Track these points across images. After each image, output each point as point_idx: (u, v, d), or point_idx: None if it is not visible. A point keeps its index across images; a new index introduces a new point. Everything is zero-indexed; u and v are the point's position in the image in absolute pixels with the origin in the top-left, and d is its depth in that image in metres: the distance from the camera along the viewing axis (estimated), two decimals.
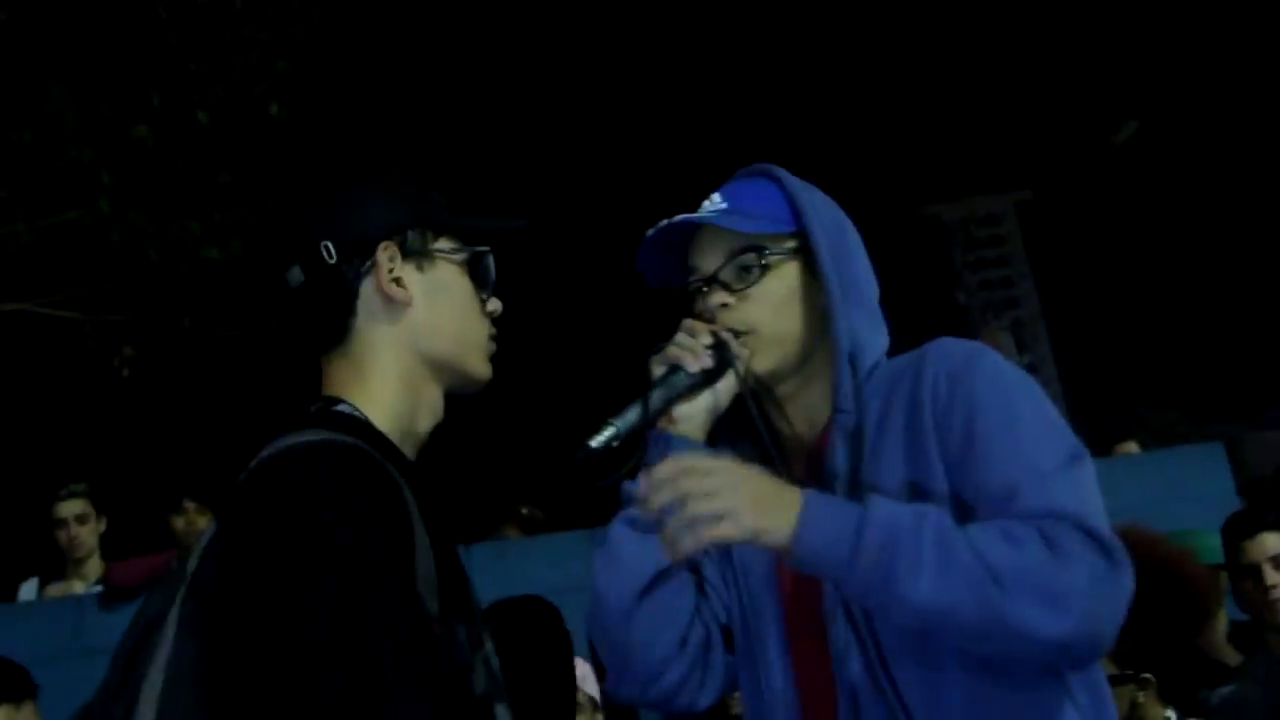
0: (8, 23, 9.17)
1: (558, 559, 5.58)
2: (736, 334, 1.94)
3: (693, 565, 2.00)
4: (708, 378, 1.94)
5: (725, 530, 1.65)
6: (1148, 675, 3.20)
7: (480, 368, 1.83)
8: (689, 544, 1.65)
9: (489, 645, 1.69)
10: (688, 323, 1.96)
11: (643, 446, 1.94)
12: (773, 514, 1.67)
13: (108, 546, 5.82)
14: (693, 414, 1.96)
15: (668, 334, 1.99)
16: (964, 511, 1.76)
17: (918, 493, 1.81)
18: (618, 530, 1.97)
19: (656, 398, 1.92)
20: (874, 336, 1.99)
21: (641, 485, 1.70)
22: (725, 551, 2.02)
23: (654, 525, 1.83)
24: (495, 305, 1.86)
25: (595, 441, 1.85)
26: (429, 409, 1.79)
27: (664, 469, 1.68)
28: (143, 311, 9.82)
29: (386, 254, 1.75)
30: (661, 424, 1.97)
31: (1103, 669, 1.88)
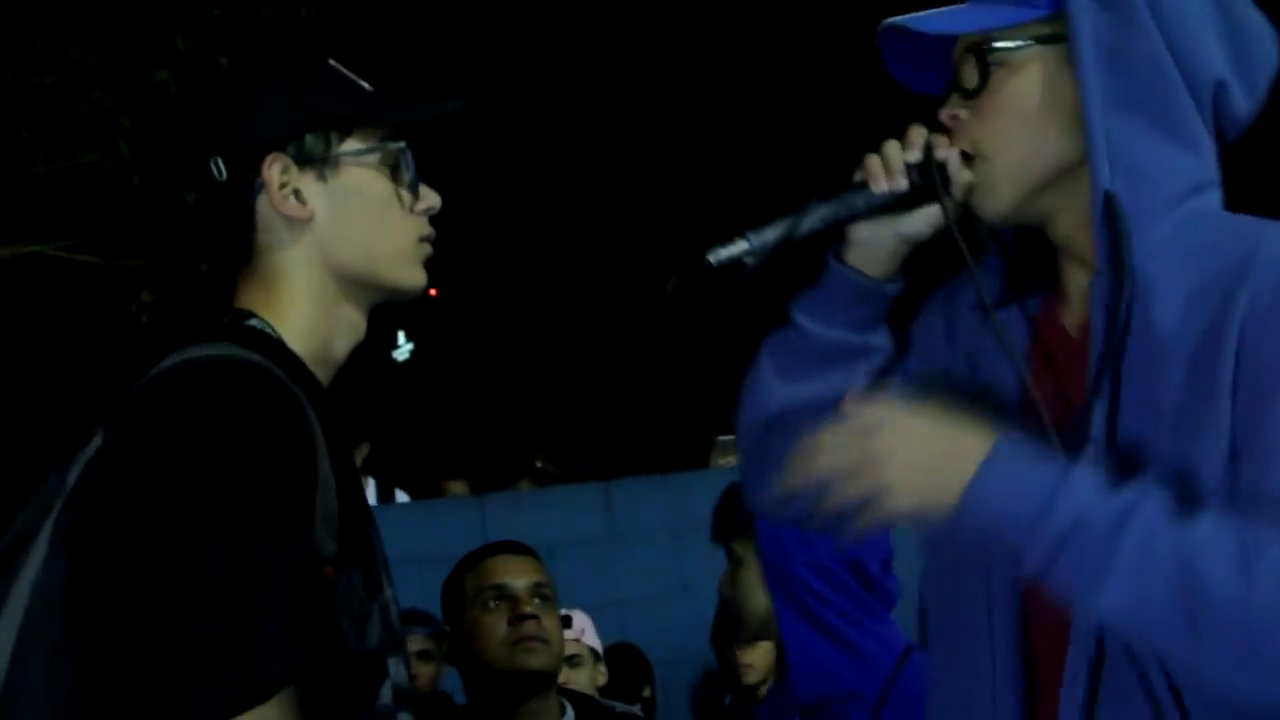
0: None
1: (571, 511, 5.55)
2: (965, 156, 1.53)
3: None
4: (906, 201, 1.54)
5: (884, 513, 1.38)
6: None
7: (406, 276, 1.68)
8: (850, 528, 1.39)
9: (389, 593, 1.58)
10: (912, 133, 1.55)
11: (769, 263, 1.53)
12: (938, 487, 1.35)
13: None
14: (873, 241, 1.58)
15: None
16: (1231, 491, 1.35)
17: (1188, 438, 1.38)
18: (764, 355, 1.70)
19: (815, 216, 1.52)
20: (1167, 161, 1.45)
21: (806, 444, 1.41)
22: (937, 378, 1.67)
23: (804, 357, 1.64)
24: (429, 201, 1.69)
25: (718, 255, 1.48)
26: (347, 329, 1.67)
27: (829, 436, 1.39)
28: (161, 257, 9.78)
29: (277, 167, 1.59)
30: (845, 249, 1.61)
31: None
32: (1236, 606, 1.25)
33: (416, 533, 5.01)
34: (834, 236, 1.60)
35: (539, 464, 6.64)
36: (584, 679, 3.69)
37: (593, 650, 3.85)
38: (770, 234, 1.50)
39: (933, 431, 1.38)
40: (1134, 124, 1.44)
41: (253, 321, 1.59)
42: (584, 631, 3.85)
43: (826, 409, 1.56)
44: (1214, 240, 1.43)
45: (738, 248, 1.49)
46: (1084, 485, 1.32)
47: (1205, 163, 1.49)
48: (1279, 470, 1.31)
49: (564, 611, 3.41)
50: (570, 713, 2.96)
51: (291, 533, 1.36)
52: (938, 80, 1.62)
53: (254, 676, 1.27)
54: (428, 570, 4.70)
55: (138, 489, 1.37)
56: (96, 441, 1.49)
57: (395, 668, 1.53)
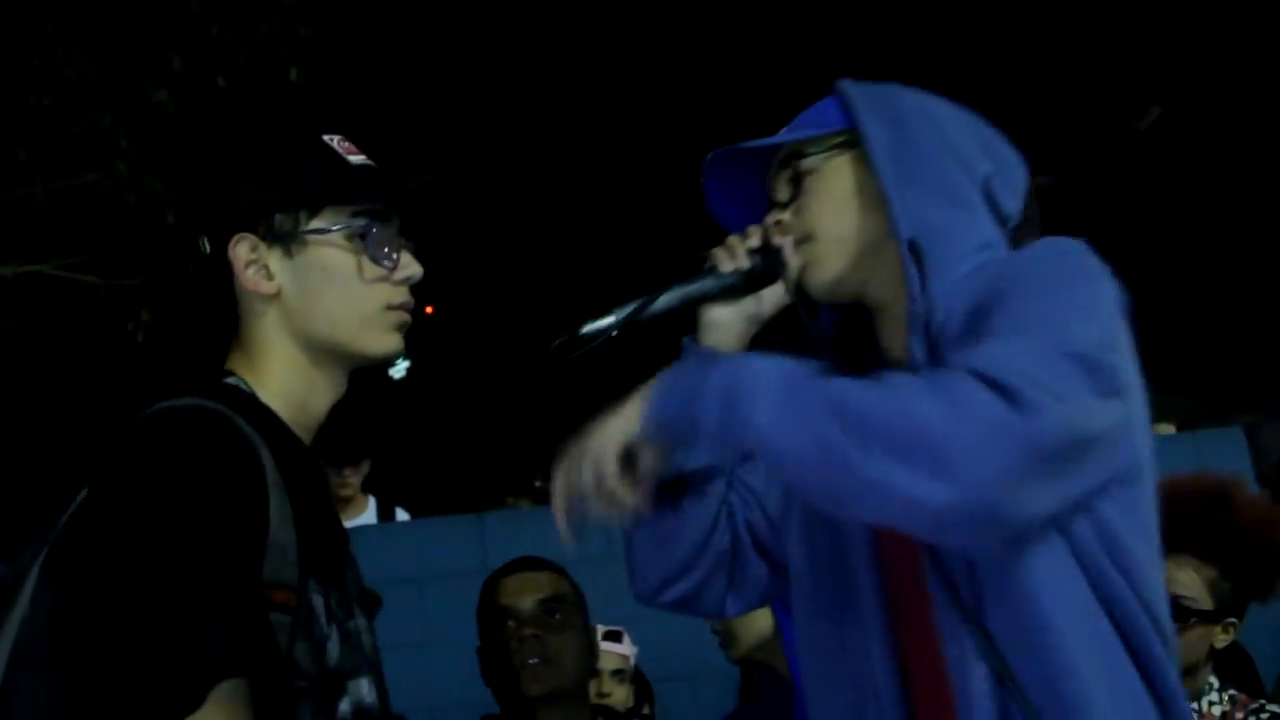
0: None
1: None
2: (796, 243, 1.80)
3: (729, 474, 1.91)
4: (749, 283, 1.81)
5: (607, 453, 1.60)
6: (1233, 620, 2.96)
7: (371, 343, 1.79)
8: (619, 504, 1.61)
9: (360, 621, 1.72)
10: (748, 228, 1.85)
11: (622, 325, 1.81)
12: (629, 408, 1.61)
13: None
14: (723, 322, 1.84)
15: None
16: None
17: None
18: None
19: (670, 296, 1.81)
20: (955, 222, 1.73)
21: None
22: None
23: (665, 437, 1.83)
24: (406, 272, 1.80)
25: (588, 328, 1.76)
26: (324, 388, 1.79)
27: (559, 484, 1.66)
28: (159, 276, 9.79)
29: (244, 246, 1.74)
30: (701, 333, 1.86)
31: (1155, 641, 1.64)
32: (877, 409, 1.43)
33: (417, 551, 5.00)
34: (690, 319, 1.85)
35: (537, 483, 6.64)
36: (623, 695, 3.70)
37: (632, 671, 3.84)
38: (630, 309, 1.77)
39: (618, 408, 1.62)
40: (925, 198, 1.72)
41: (230, 379, 1.75)
42: (635, 650, 3.85)
43: (698, 482, 1.85)
44: (989, 271, 1.68)
45: (604, 321, 1.76)
46: (741, 355, 1.59)
47: (987, 228, 1.75)
48: (978, 349, 1.50)
49: (616, 628, 3.41)
50: None
51: (223, 558, 1.51)
52: (753, 215, 1.89)
53: (183, 681, 1.43)
54: (428, 588, 4.71)
55: (99, 528, 1.55)
56: (84, 492, 1.65)
57: (362, 687, 1.68)
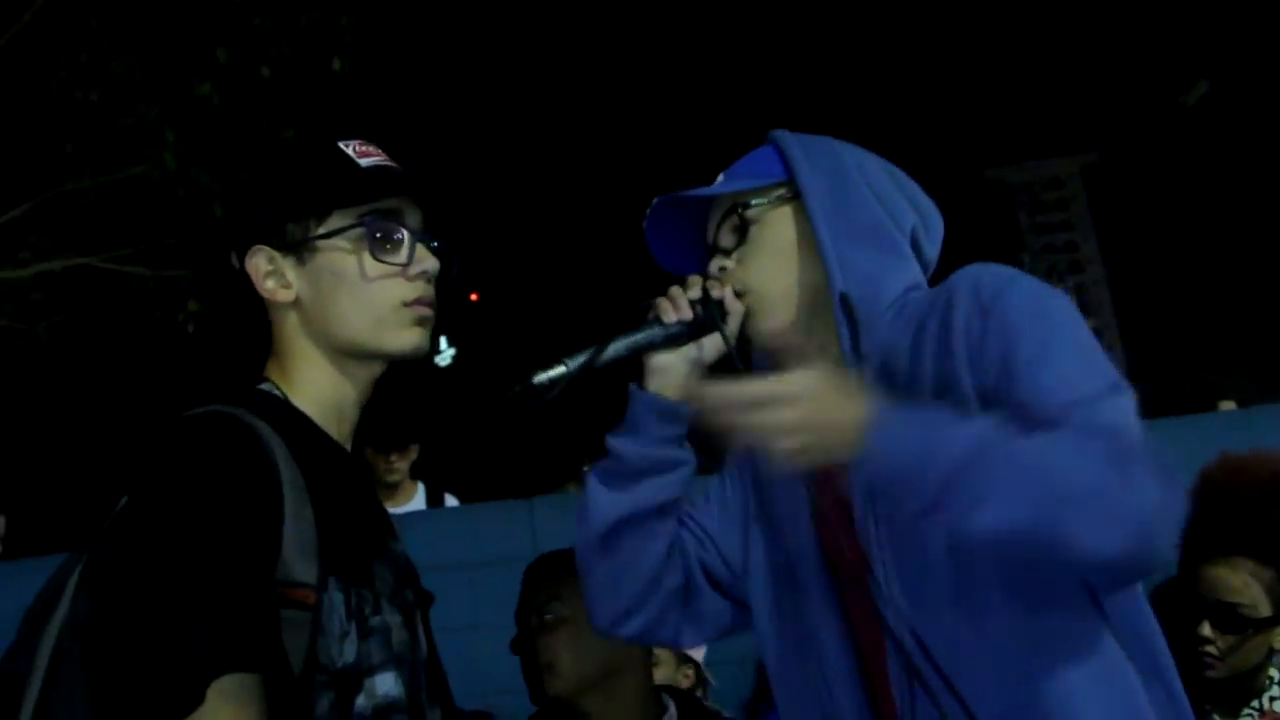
0: None
1: None
2: (737, 294, 1.88)
3: (681, 514, 1.97)
4: (693, 331, 1.89)
5: (796, 463, 1.56)
6: None
7: (391, 340, 1.78)
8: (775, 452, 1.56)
9: (392, 617, 1.74)
10: (690, 278, 1.91)
11: (567, 382, 1.85)
12: (837, 434, 1.56)
13: None
14: (670, 367, 1.90)
15: None
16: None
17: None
18: (590, 481, 1.95)
19: (618, 345, 1.88)
20: (888, 269, 1.83)
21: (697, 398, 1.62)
22: (742, 502, 1.99)
23: (623, 476, 1.91)
24: (420, 268, 1.78)
25: (540, 378, 1.81)
26: (353, 388, 1.82)
27: (733, 393, 1.57)
28: (204, 271, 9.88)
29: (260, 257, 1.77)
30: (646, 379, 1.93)
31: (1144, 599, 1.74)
32: (1087, 484, 1.47)
33: (467, 536, 5.02)
34: (636, 366, 1.92)
35: (586, 468, 6.65)
36: (665, 676, 3.62)
37: (681, 654, 3.76)
38: (580, 359, 1.84)
39: (821, 393, 1.56)
40: (860, 248, 1.82)
41: (264, 385, 1.78)
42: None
43: (648, 519, 1.92)
44: (918, 305, 1.77)
45: (556, 371, 1.82)
46: (958, 424, 1.54)
47: (914, 271, 1.87)
48: (1041, 391, 1.58)
49: None
50: (672, 710, 2.92)
51: (226, 559, 1.52)
52: (692, 262, 2.00)
53: (182, 678, 1.45)
54: (479, 573, 4.73)
55: (119, 534, 1.58)
56: (124, 499, 1.66)
57: (385, 683, 1.70)
